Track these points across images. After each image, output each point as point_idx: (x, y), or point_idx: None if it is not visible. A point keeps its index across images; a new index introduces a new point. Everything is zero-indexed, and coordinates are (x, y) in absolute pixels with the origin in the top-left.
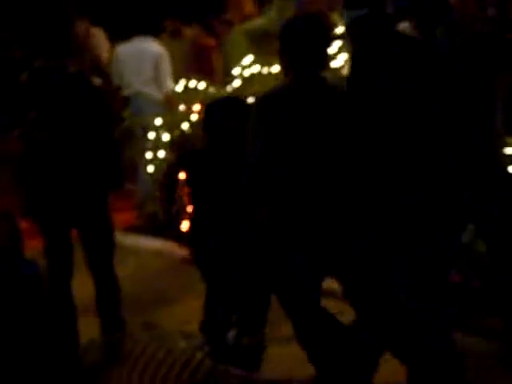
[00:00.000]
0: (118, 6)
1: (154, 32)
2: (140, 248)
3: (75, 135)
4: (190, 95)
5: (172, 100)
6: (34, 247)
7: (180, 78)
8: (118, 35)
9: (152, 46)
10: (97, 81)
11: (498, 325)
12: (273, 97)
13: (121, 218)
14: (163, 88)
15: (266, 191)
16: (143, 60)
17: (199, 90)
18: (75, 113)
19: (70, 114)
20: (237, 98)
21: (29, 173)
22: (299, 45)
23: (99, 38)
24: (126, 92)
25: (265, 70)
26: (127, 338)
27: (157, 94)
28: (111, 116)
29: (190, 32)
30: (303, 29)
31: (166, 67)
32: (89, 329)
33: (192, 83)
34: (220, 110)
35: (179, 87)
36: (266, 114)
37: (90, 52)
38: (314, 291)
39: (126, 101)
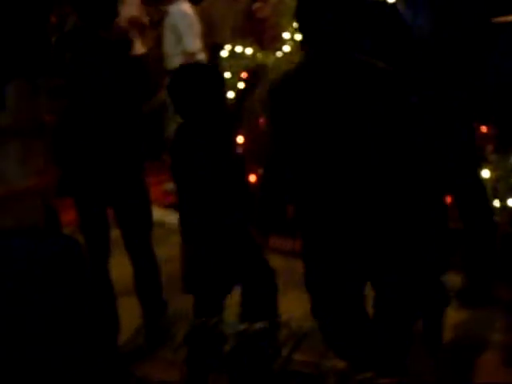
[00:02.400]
0: None
1: None
2: None
3: (106, 105)
4: (236, 61)
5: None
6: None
7: (231, 40)
8: None
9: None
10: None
11: None
12: (284, 84)
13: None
14: (184, 48)
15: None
16: (175, 21)
17: (246, 56)
18: (106, 80)
19: (101, 80)
20: (207, 65)
21: (62, 146)
22: (314, 13)
23: None
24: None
25: None
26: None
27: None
28: (142, 86)
29: None
30: None
31: (185, 27)
32: (130, 312)
33: (238, 48)
34: (188, 76)
35: (224, 53)
36: (278, 106)
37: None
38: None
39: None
